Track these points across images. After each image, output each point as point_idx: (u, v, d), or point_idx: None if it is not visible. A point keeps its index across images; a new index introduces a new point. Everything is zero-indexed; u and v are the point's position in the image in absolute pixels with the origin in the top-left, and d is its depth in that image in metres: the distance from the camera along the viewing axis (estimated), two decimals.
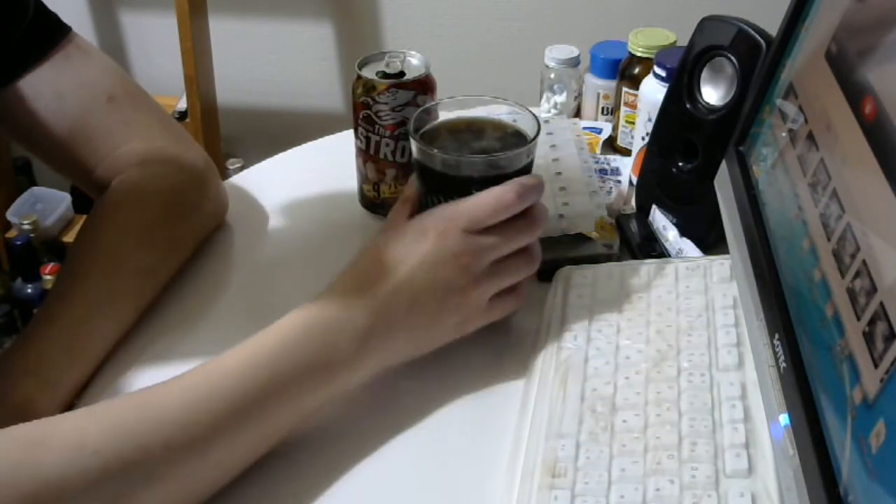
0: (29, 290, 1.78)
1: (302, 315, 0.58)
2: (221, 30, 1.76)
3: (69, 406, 0.63)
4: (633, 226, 0.78)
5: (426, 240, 0.60)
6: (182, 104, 1.73)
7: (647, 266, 0.69)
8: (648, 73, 0.82)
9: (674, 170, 0.76)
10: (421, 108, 0.68)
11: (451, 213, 0.61)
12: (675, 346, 0.61)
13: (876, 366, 0.39)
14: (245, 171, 0.92)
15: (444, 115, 0.68)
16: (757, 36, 0.68)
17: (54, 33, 0.72)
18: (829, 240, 0.47)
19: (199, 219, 0.77)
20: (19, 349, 0.62)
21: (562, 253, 0.73)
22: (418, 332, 0.61)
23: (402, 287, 0.59)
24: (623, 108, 0.89)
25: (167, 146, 0.76)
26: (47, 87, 0.70)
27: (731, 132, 0.65)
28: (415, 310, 0.59)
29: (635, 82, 0.85)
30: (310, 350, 0.56)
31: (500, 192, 0.61)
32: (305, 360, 0.56)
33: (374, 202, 0.81)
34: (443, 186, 0.64)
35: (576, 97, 0.95)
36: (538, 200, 0.63)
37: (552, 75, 0.92)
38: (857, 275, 0.43)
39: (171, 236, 0.73)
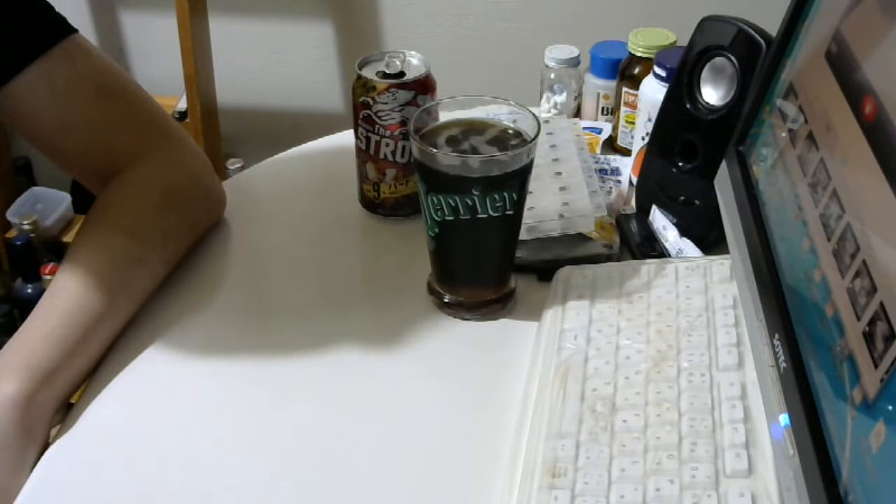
0: (29, 290, 1.78)
1: None
2: (221, 30, 1.76)
3: (67, 402, 0.63)
4: (633, 226, 0.78)
5: None
6: (182, 104, 1.73)
7: (647, 266, 0.69)
8: (648, 73, 0.82)
9: (674, 170, 0.76)
10: (421, 109, 0.68)
11: None
12: (675, 346, 0.61)
13: (876, 366, 0.39)
14: (245, 171, 0.92)
15: (444, 116, 0.68)
16: (757, 36, 0.68)
17: (56, 32, 0.72)
18: (829, 240, 0.47)
19: (193, 213, 0.77)
20: (15, 344, 0.62)
21: (562, 253, 0.73)
22: None
23: None
24: (623, 108, 0.89)
25: (163, 143, 0.76)
26: (43, 82, 0.70)
27: (731, 132, 0.65)
28: None
29: (635, 82, 0.85)
30: None
31: None
32: None
33: (374, 202, 0.81)
34: (443, 187, 0.64)
35: (576, 97, 0.94)
36: None
37: (552, 75, 0.92)
38: (857, 275, 0.43)
39: (164, 229, 0.73)
